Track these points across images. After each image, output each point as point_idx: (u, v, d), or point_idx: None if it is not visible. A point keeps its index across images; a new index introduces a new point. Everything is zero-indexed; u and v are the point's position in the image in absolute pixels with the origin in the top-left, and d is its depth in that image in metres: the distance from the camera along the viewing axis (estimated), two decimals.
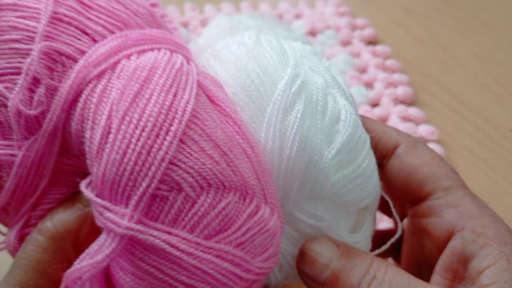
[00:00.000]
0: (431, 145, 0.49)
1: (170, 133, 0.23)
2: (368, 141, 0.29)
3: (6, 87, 0.26)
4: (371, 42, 0.61)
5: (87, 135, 0.24)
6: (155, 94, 0.24)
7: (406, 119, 0.52)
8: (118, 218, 0.23)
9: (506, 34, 0.62)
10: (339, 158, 0.27)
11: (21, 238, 0.27)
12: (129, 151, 0.23)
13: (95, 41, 0.26)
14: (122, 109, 0.23)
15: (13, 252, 0.27)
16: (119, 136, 0.23)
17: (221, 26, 0.35)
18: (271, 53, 0.29)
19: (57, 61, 0.26)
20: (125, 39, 0.26)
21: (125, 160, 0.23)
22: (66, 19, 0.26)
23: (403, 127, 0.51)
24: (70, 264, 0.24)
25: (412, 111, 0.52)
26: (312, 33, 0.62)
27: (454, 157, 0.49)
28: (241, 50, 0.29)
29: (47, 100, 0.25)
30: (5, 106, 0.26)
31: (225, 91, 0.28)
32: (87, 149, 0.24)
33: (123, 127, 0.23)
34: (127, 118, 0.23)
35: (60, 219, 0.25)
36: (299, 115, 0.26)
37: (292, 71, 0.28)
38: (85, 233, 0.25)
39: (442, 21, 0.64)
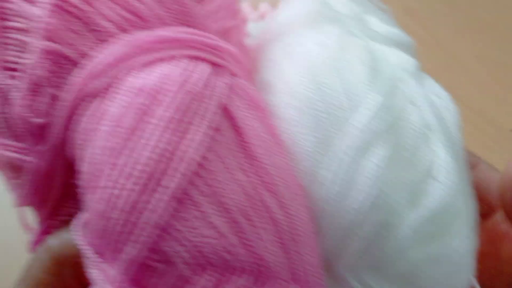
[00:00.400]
0: None
1: (168, 191, 0.18)
2: (471, 215, 0.22)
3: (7, 85, 0.22)
4: None
5: (78, 163, 0.20)
6: (156, 133, 0.19)
7: None
8: (105, 279, 0.19)
9: (506, 34, 0.62)
10: (424, 230, 0.20)
11: (38, 243, 0.25)
12: (118, 206, 0.18)
13: (102, 41, 0.21)
14: (116, 149, 0.19)
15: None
16: (109, 184, 0.18)
17: (304, 9, 0.26)
18: (358, 68, 0.22)
19: (60, 64, 0.21)
20: (135, 43, 0.21)
21: (113, 216, 0.18)
22: (72, 9, 0.21)
23: None
24: None
25: None
26: None
27: None
28: (319, 53, 0.23)
29: (50, 109, 0.22)
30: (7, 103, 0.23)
31: (265, 118, 0.22)
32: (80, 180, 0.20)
33: (114, 173, 0.19)
34: (120, 162, 0.19)
35: (66, 241, 0.23)
36: (380, 162, 0.20)
37: (382, 99, 0.21)
38: None
39: (442, 21, 0.64)
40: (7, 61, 0.22)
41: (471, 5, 0.66)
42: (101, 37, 0.21)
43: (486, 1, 0.66)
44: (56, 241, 0.23)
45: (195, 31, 0.22)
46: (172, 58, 0.21)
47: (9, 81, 0.22)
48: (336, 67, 0.22)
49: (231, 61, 0.22)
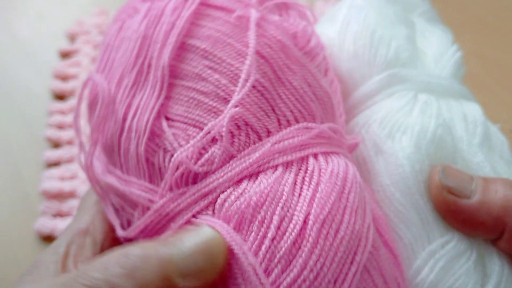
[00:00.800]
0: None
1: (355, 263, 0.21)
2: None
3: (174, 134, 0.24)
4: None
5: (272, 222, 0.21)
6: (347, 211, 0.22)
7: None
8: None
9: (506, 34, 0.62)
10: None
11: None
12: (322, 274, 0.20)
13: (280, 124, 0.24)
14: (321, 218, 0.21)
15: None
16: (316, 252, 0.21)
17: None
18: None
19: (241, 130, 0.24)
20: (311, 134, 0.24)
21: (316, 284, 0.20)
22: (260, 87, 0.24)
23: None
24: None
25: None
26: None
27: None
28: (414, 160, 0.26)
29: (217, 162, 0.24)
30: (166, 151, 0.24)
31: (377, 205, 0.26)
32: (261, 236, 0.21)
33: (320, 241, 0.21)
34: (324, 232, 0.21)
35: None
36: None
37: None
38: None
39: (442, 21, 0.64)
40: (185, 116, 0.25)
41: (471, 5, 0.66)
42: (280, 121, 0.25)
43: (486, 1, 0.66)
44: (126, 282, 0.20)
45: (332, 125, 0.26)
46: (338, 154, 0.25)
47: (180, 132, 0.25)
48: (426, 185, 0.26)
49: (348, 155, 0.27)
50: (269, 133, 0.24)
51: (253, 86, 0.24)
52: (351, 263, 0.21)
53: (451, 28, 0.63)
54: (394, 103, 0.29)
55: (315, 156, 0.24)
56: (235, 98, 0.24)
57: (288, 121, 0.25)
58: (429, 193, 0.26)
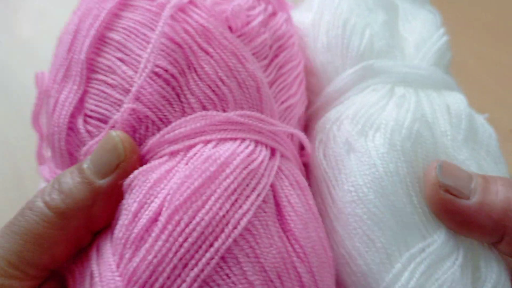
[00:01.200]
0: None
1: (212, 250, 0.21)
2: None
3: (88, 131, 0.25)
4: None
5: (131, 209, 0.22)
6: (213, 197, 0.22)
7: None
8: None
9: (506, 34, 0.62)
10: None
11: None
12: (167, 260, 0.20)
13: (184, 112, 0.24)
14: (175, 204, 0.21)
15: None
16: (163, 237, 0.21)
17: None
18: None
19: (143, 122, 0.24)
20: (210, 121, 0.24)
21: (160, 269, 0.20)
22: (166, 75, 0.24)
23: None
24: (78, 241, 0.23)
25: None
26: None
27: None
28: (391, 160, 0.25)
29: None
30: (84, 144, 0.25)
31: (305, 197, 0.25)
32: (123, 222, 0.22)
33: (169, 227, 0.21)
34: (176, 218, 0.21)
35: (70, 195, 0.23)
36: (455, 274, 0.23)
37: (444, 236, 0.24)
38: (98, 209, 0.23)
39: (442, 21, 0.64)
40: (97, 111, 0.25)
41: (471, 5, 0.66)
42: (184, 109, 0.24)
43: (486, 1, 0.66)
44: (57, 197, 0.23)
45: (261, 116, 0.25)
46: (242, 139, 0.24)
47: (93, 128, 0.25)
48: (408, 175, 0.25)
49: (284, 144, 0.25)
50: (169, 123, 0.24)
51: (158, 75, 0.24)
52: (207, 249, 0.21)
53: (451, 28, 0.63)
54: (367, 97, 0.28)
55: (207, 143, 0.23)
56: (133, 89, 0.24)
57: (192, 108, 0.24)
58: (424, 190, 0.25)
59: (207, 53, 0.24)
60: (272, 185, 0.24)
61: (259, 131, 0.24)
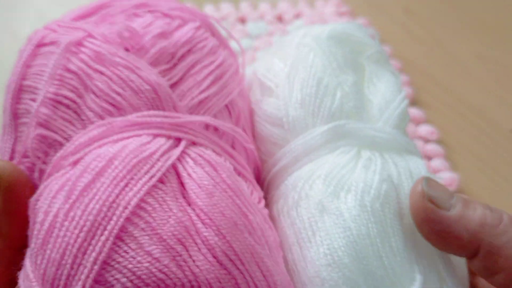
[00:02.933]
0: (431, 145, 0.49)
1: (106, 232, 0.23)
2: None
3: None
4: None
5: (38, 220, 0.24)
6: (102, 188, 0.24)
7: None
8: None
9: (506, 34, 0.62)
10: None
11: None
12: (67, 252, 0.23)
13: (85, 127, 0.27)
14: (69, 203, 0.24)
15: None
16: (61, 234, 0.23)
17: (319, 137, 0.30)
18: (398, 243, 0.26)
19: (52, 146, 0.27)
20: (108, 127, 0.26)
21: (63, 262, 0.23)
22: (66, 101, 0.27)
23: None
24: (8, 261, 0.26)
25: (412, 111, 0.52)
26: None
27: (454, 157, 0.49)
28: (362, 223, 0.26)
29: (38, 179, 0.27)
30: None
31: (218, 173, 0.26)
32: (33, 233, 0.24)
33: (66, 223, 0.23)
34: (71, 214, 0.23)
35: None
36: None
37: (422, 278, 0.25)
38: (5, 228, 0.26)
39: (442, 21, 0.64)
40: (21, 151, 0.28)
41: (471, 5, 0.66)
42: (85, 124, 0.27)
43: (486, 1, 0.66)
44: None
45: (160, 113, 0.27)
46: (139, 135, 0.26)
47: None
48: (375, 247, 0.25)
49: (193, 133, 0.28)
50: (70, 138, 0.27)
51: (59, 102, 0.27)
52: (102, 233, 0.23)
53: (451, 28, 0.63)
54: (338, 158, 0.29)
55: (103, 145, 0.26)
56: (33, 120, 0.27)
57: (92, 122, 0.27)
58: (410, 202, 0.27)
59: (101, 73, 0.27)
60: (174, 167, 0.26)
61: (158, 126, 0.27)
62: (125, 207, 0.23)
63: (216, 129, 0.30)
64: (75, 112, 0.27)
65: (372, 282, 0.25)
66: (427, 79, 0.57)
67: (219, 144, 0.29)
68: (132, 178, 0.24)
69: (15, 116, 0.29)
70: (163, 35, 0.30)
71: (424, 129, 0.51)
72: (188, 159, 0.27)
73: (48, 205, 0.24)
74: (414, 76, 0.57)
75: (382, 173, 0.28)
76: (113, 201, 0.23)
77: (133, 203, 0.24)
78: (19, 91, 0.29)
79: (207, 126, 0.29)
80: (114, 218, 0.23)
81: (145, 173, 0.25)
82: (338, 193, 0.27)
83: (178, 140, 0.27)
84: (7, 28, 0.63)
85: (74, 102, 0.27)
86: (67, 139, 0.27)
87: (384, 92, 0.32)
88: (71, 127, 0.27)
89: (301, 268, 0.27)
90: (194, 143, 0.28)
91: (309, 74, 0.31)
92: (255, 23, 0.62)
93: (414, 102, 0.54)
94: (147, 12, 0.32)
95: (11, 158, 0.29)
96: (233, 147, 0.31)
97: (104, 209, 0.23)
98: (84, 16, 0.32)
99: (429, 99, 0.55)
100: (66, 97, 0.27)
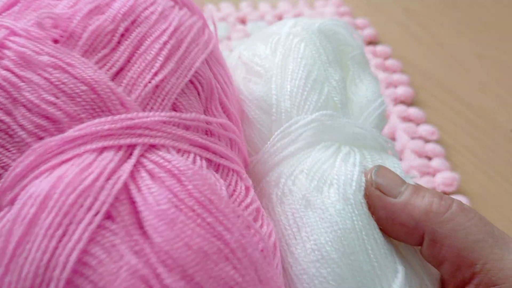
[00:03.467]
0: (431, 145, 0.49)
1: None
2: None
3: None
4: (371, 42, 0.61)
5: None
6: (36, 243, 0.19)
7: (406, 119, 0.52)
8: None
9: (506, 34, 0.62)
10: None
11: None
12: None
13: (21, 152, 0.22)
14: (3, 267, 0.19)
15: None
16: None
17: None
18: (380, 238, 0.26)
19: None
20: (42, 151, 0.22)
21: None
22: None
23: (403, 127, 0.51)
24: None
25: (412, 111, 0.52)
26: None
27: (454, 157, 0.49)
28: (346, 218, 0.26)
29: None
30: None
31: (183, 186, 0.22)
32: None
33: None
34: (6, 281, 0.19)
35: None
36: None
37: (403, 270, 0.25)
38: None
39: (442, 21, 0.64)
40: None
41: (471, 5, 0.66)
42: (20, 147, 0.22)
43: (486, 1, 0.66)
44: None
45: (103, 119, 0.22)
46: (76, 156, 0.21)
47: None
48: (361, 241, 0.25)
49: (150, 133, 0.23)
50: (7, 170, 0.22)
51: None
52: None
53: (451, 28, 0.63)
54: (319, 153, 0.28)
55: (39, 176, 0.21)
56: None
57: (27, 144, 0.22)
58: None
59: (28, 80, 0.22)
60: (126, 189, 0.21)
61: (103, 136, 0.22)
62: (63, 268, 0.19)
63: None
64: (6, 133, 0.22)
65: (359, 276, 0.25)
66: (427, 79, 0.57)
67: (185, 137, 0.24)
68: (70, 223, 0.19)
69: None
70: (96, 10, 0.25)
71: (424, 129, 0.51)
72: (143, 173, 0.22)
73: None
74: (414, 76, 0.57)
75: (361, 166, 0.28)
76: (49, 260, 0.19)
77: (72, 259, 0.19)
78: None
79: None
80: (52, 284, 0.19)
81: (87, 211, 0.20)
82: (321, 187, 0.27)
83: (131, 147, 0.22)
84: None
85: (2, 121, 0.22)
86: (4, 168, 0.22)
87: (365, 93, 0.32)
88: (5, 153, 0.22)
89: (288, 266, 0.26)
90: (152, 146, 0.23)
91: (299, 66, 0.31)
92: (255, 23, 0.62)
93: (414, 102, 0.54)
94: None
95: None
96: (207, 132, 0.26)
97: (40, 272, 0.19)
98: (11, 5, 0.26)
99: (429, 99, 0.55)
100: None
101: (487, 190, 0.47)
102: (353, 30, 0.35)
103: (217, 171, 0.25)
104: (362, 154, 0.29)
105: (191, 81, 0.26)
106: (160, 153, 0.23)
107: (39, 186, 0.20)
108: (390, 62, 0.58)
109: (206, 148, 0.25)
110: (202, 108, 0.26)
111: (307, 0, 0.66)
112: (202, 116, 0.25)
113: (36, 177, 0.21)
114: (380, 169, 0.27)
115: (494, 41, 0.61)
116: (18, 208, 0.20)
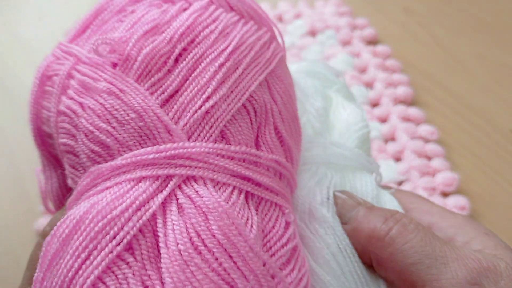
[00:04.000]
0: (431, 145, 0.49)
1: None
2: None
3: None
4: (371, 42, 0.61)
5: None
6: (65, 260, 0.20)
7: (406, 119, 0.52)
8: None
9: (506, 34, 0.62)
10: None
11: None
12: None
13: (82, 174, 0.24)
14: (42, 272, 0.21)
15: None
16: None
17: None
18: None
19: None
20: (97, 174, 0.23)
21: None
22: (68, 148, 0.25)
23: (403, 127, 0.51)
24: None
25: (412, 111, 0.52)
26: (312, 33, 0.61)
27: (454, 157, 0.49)
28: (330, 241, 0.27)
29: None
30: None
31: (207, 225, 0.21)
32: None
33: None
34: (44, 284, 0.21)
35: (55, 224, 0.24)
36: None
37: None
38: None
39: (442, 21, 0.64)
40: None
41: (471, 5, 0.66)
42: (84, 168, 0.24)
43: (486, 1, 0.66)
44: (47, 227, 0.25)
45: (151, 149, 0.22)
46: (117, 183, 0.22)
47: None
48: (348, 261, 0.26)
49: (190, 164, 0.22)
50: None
51: (65, 151, 0.25)
52: None
53: (451, 28, 0.63)
54: (302, 180, 0.29)
55: (84, 200, 0.23)
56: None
57: (88, 166, 0.24)
58: None
59: (86, 107, 0.23)
60: (154, 219, 0.21)
61: (144, 165, 0.22)
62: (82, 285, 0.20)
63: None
64: (74, 155, 0.24)
65: None
66: (427, 79, 0.57)
67: (227, 168, 0.23)
68: (94, 248, 0.20)
69: (47, 159, 0.29)
70: (154, 31, 0.24)
71: (424, 129, 0.51)
72: (173, 207, 0.21)
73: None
74: (414, 76, 0.57)
75: (335, 187, 0.29)
76: (72, 278, 0.20)
77: (88, 282, 0.20)
78: (42, 137, 0.28)
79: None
80: None
81: (110, 240, 0.20)
82: (307, 219, 0.28)
83: (169, 178, 0.22)
84: (8, 28, 0.63)
85: (71, 147, 0.24)
86: (76, 184, 0.24)
87: (347, 119, 0.33)
88: (75, 172, 0.24)
89: None
90: (190, 178, 0.22)
91: None
92: None
93: (414, 102, 0.54)
94: (140, 2, 0.26)
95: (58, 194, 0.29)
96: (255, 162, 0.24)
97: (65, 286, 0.20)
98: (83, 30, 0.27)
99: (429, 99, 0.55)
100: (66, 145, 0.24)
101: (487, 190, 0.47)
102: (333, 70, 0.37)
103: (257, 204, 0.24)
104: (335, 175, 0.30)
105: (244, 105, 0.25)
106: (196, 186, 0.22)
107: (78, 208, 0.22)
108: (390, 62, 0.58)
109: (249, 180, 0.24)
110: (253, 135, 0.25)
111: (307, 0, 0.66)
112: (253, 151, 0.24)
113: (88, 198, 0.22)
114: (336, 194, 0.28)
115: (494, 41, 0.61)
116: (59, 225, 0.21)
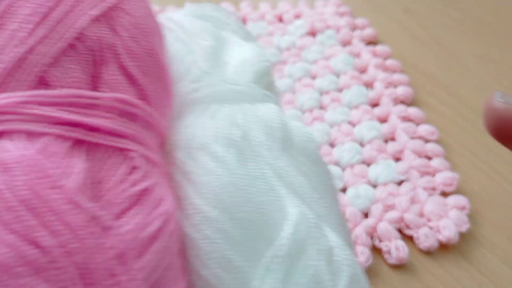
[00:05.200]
0: (431, 145, 0.49)
1: None
2: None
3: None
4: (371, 42, 0.61)
5: None
6: None
7: (406, 119, 0.52)
8: None
9: (506, 34, 0.62)
10: None
11: None
12: None
13: None
14: None
15: None
16: None
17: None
18: (262, 187, 0.24)
19: None
20: None
21: None
22: None
23: (403, 127, 0.51)
24: None
25: (412, 111, 0.52)
26: (312, 33, 0.61)
27: (454, 157, 0.49)
28: (220, 173, 0.25)
29: None
30: None
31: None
32: None
33: None
34: None
35: None
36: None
37: (295, 218, 0.24)
38: None
39: (442, 21, 0.64)
40: None
41: (471, 5, 0.66)
42: None
43: (486, 1, 0.66)
44: None
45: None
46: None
47: None
48: (240, 188, 0.24)
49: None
50: None
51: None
52: None
53: (451, 28, 0.63)
54: (191, 119, 0.28)
55: None
56: None
57: None
58: (486, 120, 0.25)
59: None
60: None
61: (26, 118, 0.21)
62: None
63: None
64: None
65: (245, 229, 0.23)
66: (426, 79, 0.57)
67: (45, 116, 0.21)
68: None
69: None
70: None
71: (424, 129, 0.50)
72: None
73: None
74: (414, 76, 0.57)
75: (232, 123, 0.27)
76: None
77: None
78: None
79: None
80: None
81: None
82: (195, 154, 0.26)
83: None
84: None
85: None
86: None
87: (243, 56, 0.32)
88: None
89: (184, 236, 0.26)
90: (2, 134, 0.20)
91: (170, 51, 0.31)
92: (255, 23, 0.62)
93: (414, 102, 0.54)
94: None
95: None
96: (88, 106, 0.22)
97: None
98: None
99: (429, 99, 0.55)
100: None
101: (487, 190, 0.47)
102: (226, 12, 0.36)
103: (89, 151, 0.22)
104: (231, 110, 0.28)
105: (72, 45, 0.22)
106: (4, 141, 0.20)
107: None
108: (390, 62, 0.58)
109: (79, 125, 0.21)
110: (87, 76, 0.23)
111: (307, 0, 0.66)
112: (85, 92, 0.22)
113: None
114: (502, 93, 0.26)
115: (495, 41, 0.61)
116: None
